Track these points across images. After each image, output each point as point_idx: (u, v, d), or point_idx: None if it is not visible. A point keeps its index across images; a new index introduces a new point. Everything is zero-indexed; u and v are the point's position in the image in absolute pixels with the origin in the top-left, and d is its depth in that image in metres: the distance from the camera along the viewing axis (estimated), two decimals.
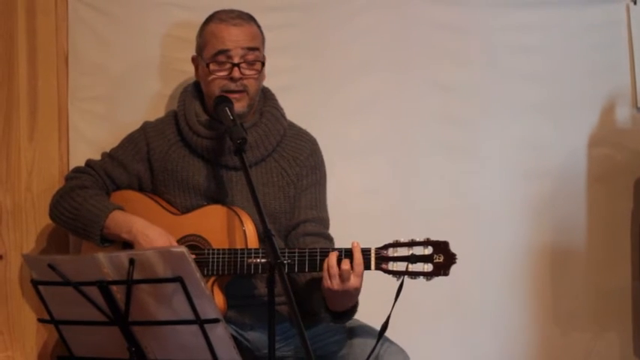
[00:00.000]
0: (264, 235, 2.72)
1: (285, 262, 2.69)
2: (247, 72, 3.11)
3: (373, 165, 3.58)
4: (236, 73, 3.10)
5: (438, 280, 3.43)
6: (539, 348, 3.67)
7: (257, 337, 3.10)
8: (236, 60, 3.10)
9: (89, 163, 3.25)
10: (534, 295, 3.67)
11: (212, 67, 3.12)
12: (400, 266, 2.87)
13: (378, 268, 2.89)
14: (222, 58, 3.11)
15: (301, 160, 3.20)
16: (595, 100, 3.72)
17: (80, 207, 3.10)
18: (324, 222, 3.21)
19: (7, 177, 3.41)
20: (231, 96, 3.09)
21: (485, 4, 3.65)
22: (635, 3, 3.70)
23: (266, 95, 3.25)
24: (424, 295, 3.52)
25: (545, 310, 3.68)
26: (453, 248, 2.89)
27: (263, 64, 3.15)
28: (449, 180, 3.61)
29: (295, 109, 3.29)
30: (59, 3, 3.43)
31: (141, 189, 3.22)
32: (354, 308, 2.99)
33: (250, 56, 3.12)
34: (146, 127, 3.26)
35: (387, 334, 2.97)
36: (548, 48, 3.68)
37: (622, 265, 3.72)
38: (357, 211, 3.51)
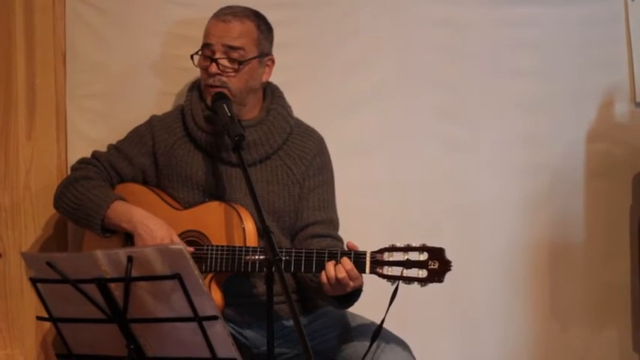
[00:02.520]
0: (263, 232, 2.72)
1: (282, 258, 2.69)
2: (226, 69, 3.11)
3: (372, 161, 3.58)
4: (212, 69, 3.11)
5: None
6: (538, 343, 3.67)
7: (255, 335, 3.10)
8: (216, 55, 3.12)
9: (95, 155, 3.26)
10: (533, 290, 3.67)
11: (196, 59, 3.15)
12: (395, 271, 2.86)
13: (372, 272, 2.89)
14: (207, 52, 3.14)
15: (308, 159, 3.20)
16: (593, 95, 3.72)
17: (83, 197, 3.11)
18: (333, 223, 3.20)
19: (5, 175, 3.41)
20: (211, 90, 3.11)
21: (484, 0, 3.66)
22: None
23: (273, 93, 3.25)
24: (422, 291, 3.51)
25: (543, 306, 3.68)
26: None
27: (240, 62, 3.11)
28: (447, 176, 3.61)
29: (294, 106, 3.29)
30: (57, 1, 3.43)
31: (145, 182, 3.23)
32: (359, 290, 2.97)
33: (234, 54, 3.12)
34: (153, 120, 3.27)
35: (387, 328, 2.98)
36: (547, 43, 3.68)
37: (621, 260, 3.72)
38: (355, 207, 3.51)
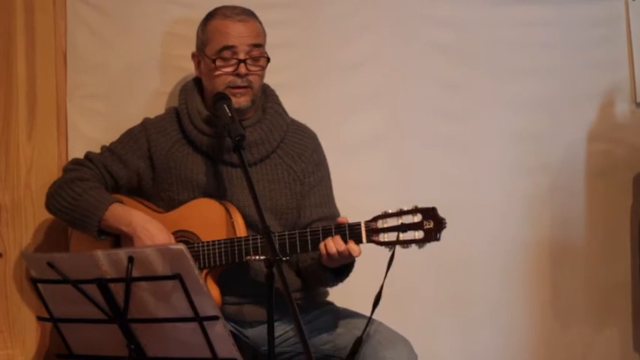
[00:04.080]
0: (263, 232, 2.72)
1: (283, 259, 2.69)
2: (252, 68, 3.12)
3: (371, 161, 3.58)
4: (242, 69, 3.11)
5: (436, 274, 3.43)
6: (539, 343, 3.67)
7: (256, 334, 3.10)
8: (242, 56, 3.11)
9: (88, 156, 3.25)
10: (533, 290, 3.67)
11: (218, 63, 3.12)
12: (391, 236, 2.87)
13: (369, 240, 2.89)
14: (227, 54, 3.12)
15: (306, 156, 3.21)
16: (594, 95, 3.72)
17: (79, 198, 3.11)
18: (335, 218, 3.20)
19: (5, 175, 3.42)
20: (237, 91, 3.10)
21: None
22: None
23: (266, 92, 3.26)
24: (423, 290, 3.52)
25: (544, 306, 3.68)
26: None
27: (268, 59, 3.15)
28: (447, 175, 3.61)
29: (292, 106, 3.29)
30: (57, 1, 3.43)
31: (140, 185, 3.22)
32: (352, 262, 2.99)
33: (255, 52, 3.13)
34: (146, 124, 3.26)
35: (388, 325, 2.98)
36: (548, 43, 3.68)
37: (621, 260, 3.72)
38: (355, 207, 3.49)
